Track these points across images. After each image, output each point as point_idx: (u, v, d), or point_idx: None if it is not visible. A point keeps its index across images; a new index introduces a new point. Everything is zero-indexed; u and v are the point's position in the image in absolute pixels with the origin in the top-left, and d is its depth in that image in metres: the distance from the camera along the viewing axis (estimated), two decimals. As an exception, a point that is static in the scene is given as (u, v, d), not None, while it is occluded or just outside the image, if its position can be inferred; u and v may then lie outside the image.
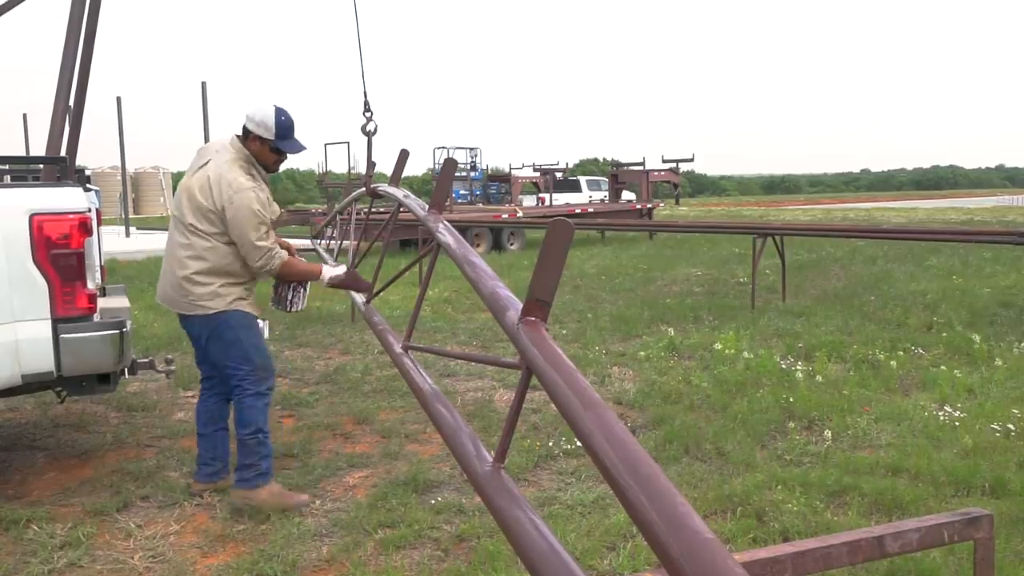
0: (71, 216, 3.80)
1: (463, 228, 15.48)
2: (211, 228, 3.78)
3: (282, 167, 4.19)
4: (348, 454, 4.73)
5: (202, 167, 3.82)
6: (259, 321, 4.22)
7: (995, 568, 1.70)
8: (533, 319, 1.60)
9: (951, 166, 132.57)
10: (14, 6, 5.77)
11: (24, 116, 26.93)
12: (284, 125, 3.80)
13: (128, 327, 4.10)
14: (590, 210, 21.11)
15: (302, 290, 4.23)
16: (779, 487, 4.04)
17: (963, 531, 1.58)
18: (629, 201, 24.48)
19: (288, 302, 4.20)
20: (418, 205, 3.19)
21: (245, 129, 3.85)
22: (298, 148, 3.96)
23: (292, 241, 4.49)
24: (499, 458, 1.65)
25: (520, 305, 1.67)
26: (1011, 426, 4.88)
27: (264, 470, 3.90)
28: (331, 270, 3.98)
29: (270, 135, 3.78)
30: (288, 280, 4.10)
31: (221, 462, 4.15)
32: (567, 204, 24.80)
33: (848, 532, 1.52)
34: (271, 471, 3.95)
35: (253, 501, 3.86)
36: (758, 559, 1.39)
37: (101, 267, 5.21)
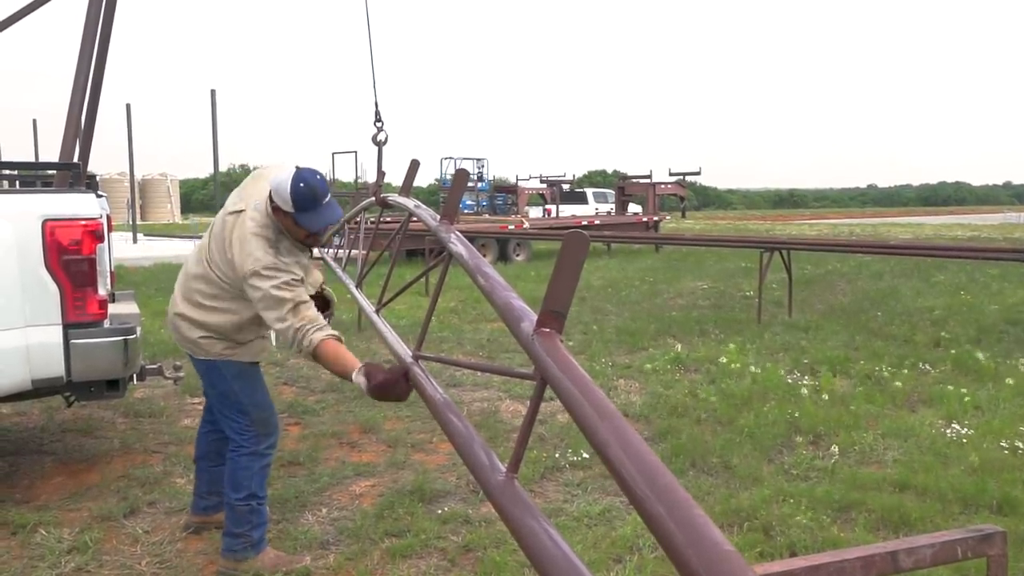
0: (83, 222, 3.81)
1: (470, 238, 15.46)
2: (218, 287, 3.27)
3: None
4: (354, 463, 4.73)
5: (236, 214, 3.21)
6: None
7: (1007, 586, 1.69)
8: (548, 330, 1.61)
9: (958, 182, 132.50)
10: (26, 15, 5.82)
11: (34, 121, 27.11)
12: (301, 195, 3.03)
13: (138, 333, 4.12)
14: (596, 222, 21.13)
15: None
16: (786, 502, 4.03)
17: (977, 548, 1.58)
18: (635, 214, 24.52)
19: None
20: (429, 215, 3.20)
21: (270, 195, 3.16)
22: (321, 223, 3.17)
23: None
24: (512, 468, 1.65)
25: (534, 316, 1.67)
26: (1019, 444, 4.86)
27: (256, 541, 3.40)
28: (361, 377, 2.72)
29: (288, 207, 3.08)
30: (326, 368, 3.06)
31: (218, 496, 3.69)
32: (573, 216, 24.83)
33: (862, 547, 1.52)
34: (264, 541, 3.45)
35: (243, 572, 3.39)
36: (772, 573, 1.39)
37: (111, 273, 5.22)
